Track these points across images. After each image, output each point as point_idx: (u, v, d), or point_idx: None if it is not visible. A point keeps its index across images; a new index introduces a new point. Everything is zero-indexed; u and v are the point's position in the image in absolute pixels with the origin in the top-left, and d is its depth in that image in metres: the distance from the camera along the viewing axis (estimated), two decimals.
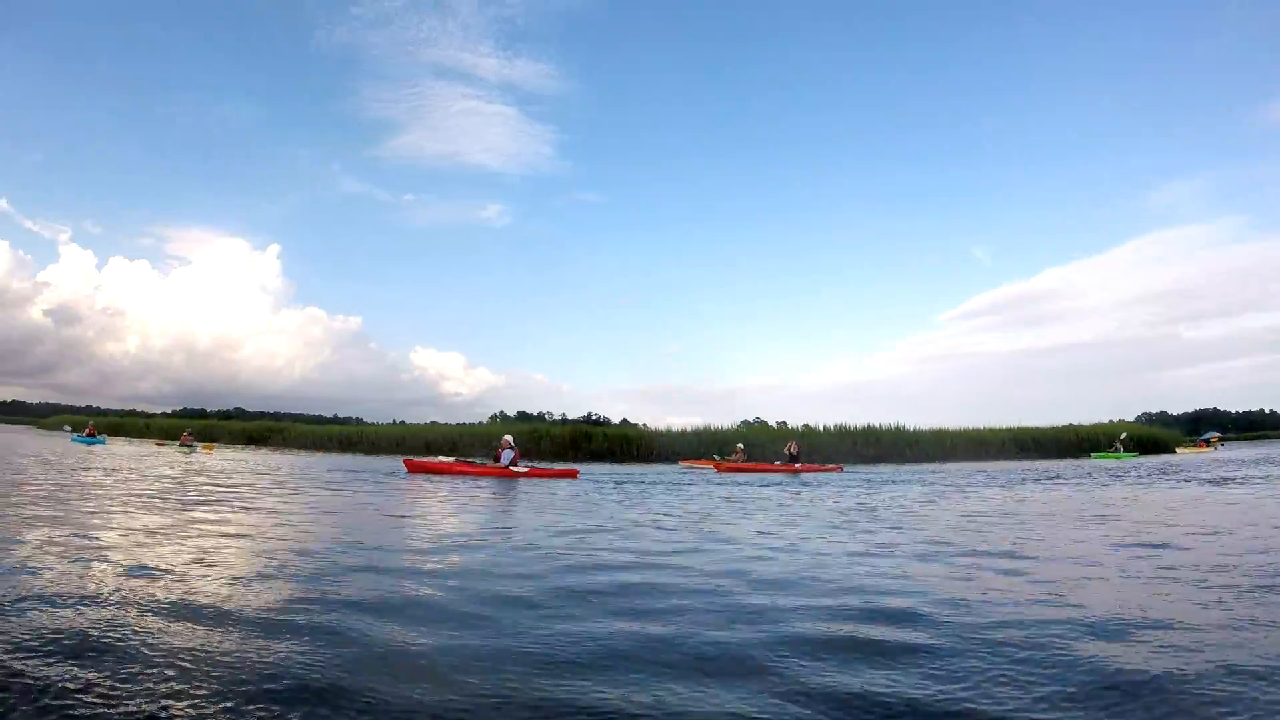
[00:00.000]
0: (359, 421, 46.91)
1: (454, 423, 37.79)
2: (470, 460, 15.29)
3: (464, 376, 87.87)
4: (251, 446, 36.85)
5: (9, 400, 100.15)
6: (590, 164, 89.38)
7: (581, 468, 16.46)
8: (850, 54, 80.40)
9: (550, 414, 43.10)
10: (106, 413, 60.45)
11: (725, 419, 39.05)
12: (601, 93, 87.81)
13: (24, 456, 14.79)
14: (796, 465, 18.60)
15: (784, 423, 33.53)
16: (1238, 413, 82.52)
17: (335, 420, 51.92)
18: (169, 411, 61.47)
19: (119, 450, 22.12)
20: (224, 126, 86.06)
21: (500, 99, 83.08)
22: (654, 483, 13.42)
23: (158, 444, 30.69)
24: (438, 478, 13.12)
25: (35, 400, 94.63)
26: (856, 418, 30.18)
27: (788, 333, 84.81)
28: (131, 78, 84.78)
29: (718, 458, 21.16)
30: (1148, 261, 79.36)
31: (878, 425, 29.90)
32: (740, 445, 21.60)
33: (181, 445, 25.85)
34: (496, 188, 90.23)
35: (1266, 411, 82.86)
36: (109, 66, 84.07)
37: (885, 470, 19.35)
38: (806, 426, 30.45)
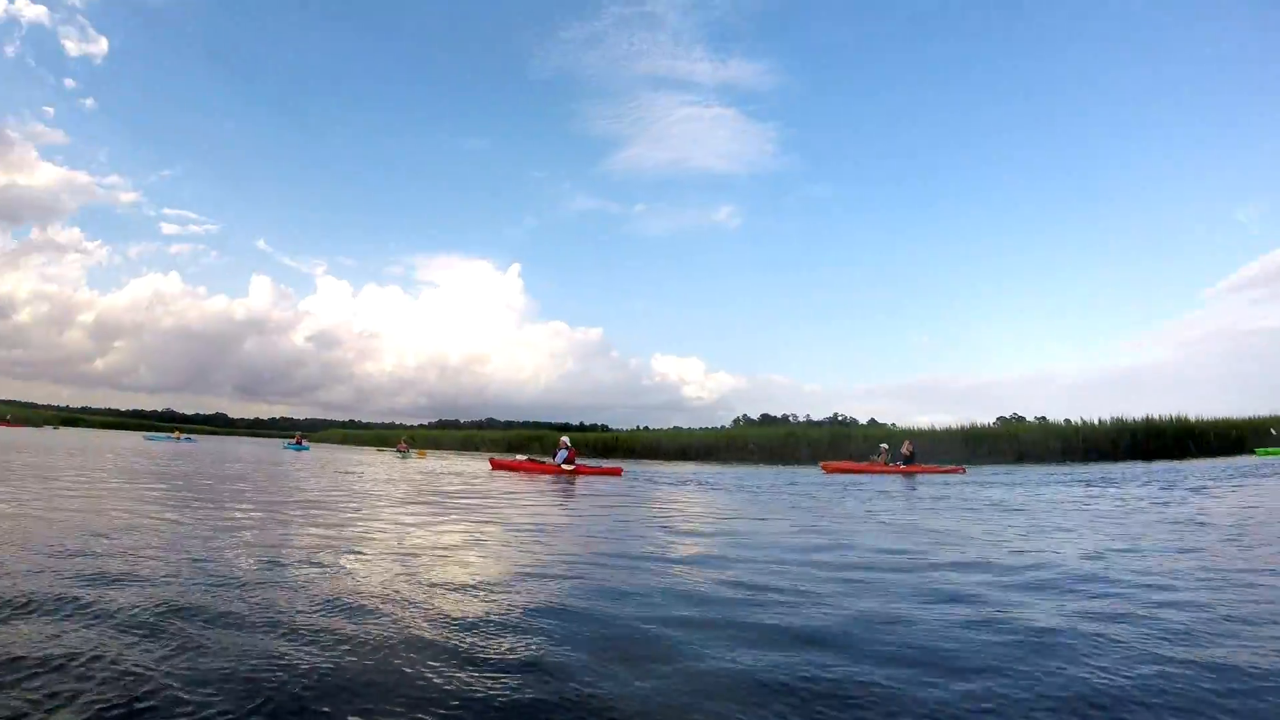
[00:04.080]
0: (604, 428, 52.14)
1: (697, 426, 39.81)
2: (536, 459, 17.60)
3: (704, 381, 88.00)
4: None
5: (278, 417, 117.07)
6: (815, 157, 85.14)
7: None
8: (1097, 22, 69.79)
9: (795, 415, 43.73)
10: (370, 426, 72.38)
11: (984, 415, 37.76)
12: (818, 84, 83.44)
13: (244, 462, 17.30)
14: (903, 466, 18.63)
15: (1043, 418, 33.21)
16: None
17: (582, 427, 58.18)
18: (426, 423, 71.86)
19: (349, 457, 25.86)
20: (460, 158, 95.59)
21: (718, 102, 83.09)
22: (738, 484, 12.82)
23: (378, 450, 36.72)
24: (517, 473, 15.63)
25: (302, 417, 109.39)
26: (1129, 409, 29.44)
27: (1041, 320, 74.63)
28: (369, 122, 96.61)
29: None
30: None
31: (1156, 417, 29.06)
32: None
33: (398, 451, 30.90)
34: (725, 190, 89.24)
35: None
36: (347, 113, 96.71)
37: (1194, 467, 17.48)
38: (1068, 421, 30.22)
